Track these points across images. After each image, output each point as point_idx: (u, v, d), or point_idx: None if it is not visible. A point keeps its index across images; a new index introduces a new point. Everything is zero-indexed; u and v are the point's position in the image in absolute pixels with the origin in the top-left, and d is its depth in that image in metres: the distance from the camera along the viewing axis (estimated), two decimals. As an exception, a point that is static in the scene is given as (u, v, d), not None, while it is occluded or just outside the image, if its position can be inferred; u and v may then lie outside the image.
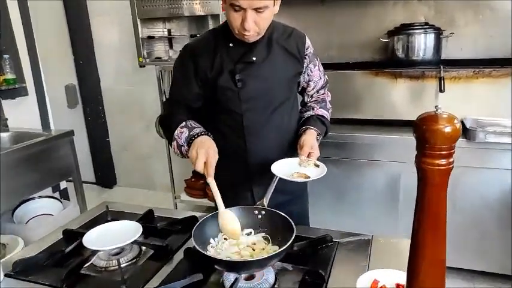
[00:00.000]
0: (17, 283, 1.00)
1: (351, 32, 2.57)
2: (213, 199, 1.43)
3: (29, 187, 2.34)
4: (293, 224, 0.99)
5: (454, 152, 0.61)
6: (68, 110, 3.86)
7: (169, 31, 3.02)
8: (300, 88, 1.37)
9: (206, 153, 1.08)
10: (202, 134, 1.16)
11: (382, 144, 2.07)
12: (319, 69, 1.36)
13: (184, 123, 1.20)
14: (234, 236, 1.02)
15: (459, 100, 1.99)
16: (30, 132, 2.54)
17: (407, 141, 2.00)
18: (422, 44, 2.15)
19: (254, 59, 1.20)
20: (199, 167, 1.07)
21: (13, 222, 2.33)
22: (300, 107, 1.41)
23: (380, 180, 2.11)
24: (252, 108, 1.23)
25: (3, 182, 2.15)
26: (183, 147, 1.18)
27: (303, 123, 1.32)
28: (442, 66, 1.98)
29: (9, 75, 2.68)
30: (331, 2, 2.57)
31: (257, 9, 1.08)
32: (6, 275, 1.02)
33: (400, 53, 2.21)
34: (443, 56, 2.26)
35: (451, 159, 0.61)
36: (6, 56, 2.65)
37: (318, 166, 1.18)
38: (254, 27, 1.11)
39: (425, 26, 2.16)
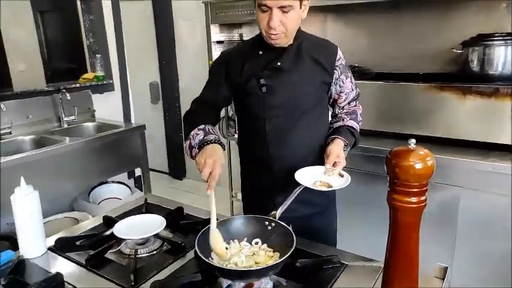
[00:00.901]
0: (54, 257, 1.16)
1: (425, 41, 2.39)
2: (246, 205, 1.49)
3: (105, 172, 2.65)
4: (294, 238, 0.98)
5: (426, 190, 0.57)
6: (151, 105, 4.24)
7: (241, 36, 3.14)
8: (331, 100, 1.37)
9: (213, 164, 1.09)
10: (215, 142, 1.17)
11: (441, 166, 1.89)
12: (351, 81, 1.36)
13: (203, 126, 1.23)
14: (220, 256, 1.00)
15: (539, 123, 1.73)
16: (111, 123, 2.86)
17: (469, 164, 1.82)
18: (502, 57, 1.91)
19: (279, 64, 1.23)
20: (205, 176, 1.08)
21: (88, 202, 2.66)
22: (330, 119, 1.40)
23: (436, 203, 1.94)
24: (275, 115, 1.25)
25: (86, 165, 2.47)
26: (193, 149, 1.20)
27: (332, 133, 1.32)
28: (520, 84, 1.75)
29: (100, 73, 3.05)
30: (405, 8, 2.42)
31: (283, 9, 1.13)
32: (49, 249, 1.19)
33: (474, 67, 2.00)
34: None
35: (422, 198, 0.57)
36: (98, 56, 3.03)
37: (342, 176, 1.17)
38: (280, 27, 1.15)
39: (506, 37, 1.92)
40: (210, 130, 1.23)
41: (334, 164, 1.18)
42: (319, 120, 1.33)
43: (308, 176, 1.18)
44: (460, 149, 1.91)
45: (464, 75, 2.04)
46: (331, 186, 1.15)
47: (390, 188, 0.59)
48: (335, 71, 1.30)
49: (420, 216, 0.59)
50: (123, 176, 3.03)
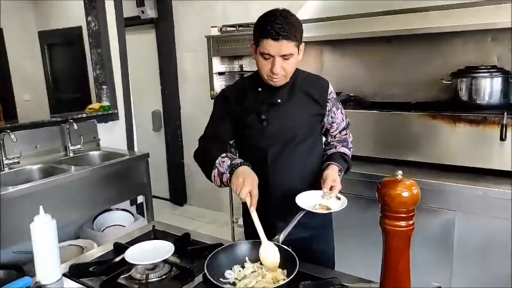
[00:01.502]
0: (69, 282, 1.22)
1: (417, 71, 2.52)
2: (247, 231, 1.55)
3: (110, 199, 2.72)
4: (297, 261, 1.05)
5: (413, 215, 0.65)
6: (152, 133, 4.34)
7: (241, 67, 3.28)
8: (324, 130, 1.49)
9: (251, 183, 1.20)
10: (244, 164, 1.28)
11: (435, 190, 1.98)
12: (341, 113, 1.49)
13: (224, 154, 1.35)
14: (272, 269, 1.12)
15: (525, 150, 1.83)
16: (116, 152, 2.95)
17: (463, 189, 1.90)
18: (488, 88, 2.04)
19: (279, 101, 1.35)
20: (244, 195, 1.18)
21: (93, 229, 2.71)
22: (323, 146, 1.52)
23: (432, 227, 2.01)
24: (275, 144, 1.36)
25: (91, 194, 2.53)
26: (224, 175, 1.30)
27: (326, 159, 1.42)
28: (506, 112, 1.85)
29: (105, 103, 3.16)
30: (398, 41, 2.56)
31: (284, 57, 1.25)
32: (63, 275, 1.25)
33: (463, 96, 2.12)
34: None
35: (410, 222, 0.65)
36: (104, 87, 3.15)
37: (339, 199, 1.26)
38: (281, 71, 1.27)
39: (491, 70, 2.04)
40: (233, 156, 1.35)
41: (331, 188, 1.27)
42: (314, 147, 1.43)
43: (308, 200, 1.26)
44: (453, 174, 2.00)
45: (454, 104, 2.15)
46: (330, 209, 1.23)
47: (382, 214, 0.68)
48: (327, 104, 1.42)
49: (409, 238, 0.67)
50: (125, 203, 3.09)
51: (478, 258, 1.91)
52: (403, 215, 0.65)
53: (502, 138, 1.81)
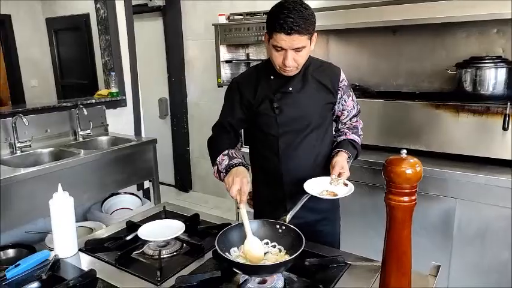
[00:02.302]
0: (85, 256, 1.29)
1: (422, 62, 2.55)
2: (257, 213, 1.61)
3: (118, 183, 2.78)
4: (303, 238, 1.11)
5: (415, 191, 0.70)
6: (159, 120, 4.39)
7: (247, 55, 3.31)
8: (334, 116, 1.51)
9: (241, 181, 1.24)
10: (240, 165, 1.33)
11: (438, 178, 2.02)
12: (352, 100, 1.51)
13: (226, 151, 1.40)
14: (255, 261, 1.12)
15: (527, 139, 1.87)
16: (123, 137, 3.01)
17: (464, 177, 1.94)
18: (492, 79, 2.06)
19: (290, 89, 1.38)
20: (233, 193, 1.23)
21: (101, 212, 2.78)
22: (334, 133, 1.55)
23: (434, 214, 2.06)
24: (287, 132, 1.39)
25: (100, 177, 2.60)
26: (221, 173, 1.37)
27: (336, 146, 1.46)
28: (509, 103, 1.88)
29: (114, 89, 3.21)
30: (403, 31, 2.58)
31: (296, 49, 1.26)
32: (80, 250, 1.31)
33: (467, 86, 2.15)
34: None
35: (412, 197, 0.70)
36: (113, 73, 3.19)
37: (346, 185, 1.30)
38: (293, 63, 1.29)
39: (496, 60, 2.07)
40: (234, 154, 1.39)
41: (339, 175, 1.31)
42: (325, 135, 1.46)
43: (316, 186, 1.31)
44: (455, 163, 2.04)
45: (458, 94, 2.18)
46: (336, 195, 1.28)
47: (387, 190, 0.72)
48: (338, 92, 1.44)
49: (411, 213, 0.71)
50: (132, 188, 3.16)
51: (477, 245, 1.97)
52: (407, 191, 0.69)
53: (505, 128, 1.85)
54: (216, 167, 1.40)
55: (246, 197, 1.24)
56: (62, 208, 1.25)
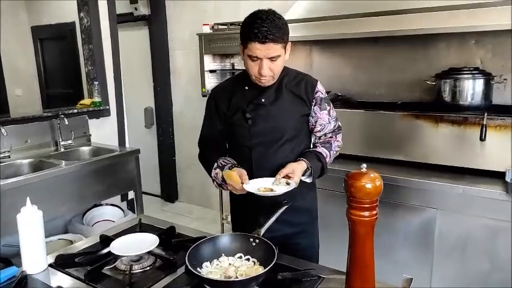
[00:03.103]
0: (55, 272, 1.25)
1: (403, 72, 2.58)
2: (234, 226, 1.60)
3: (99, 195, 2.73)
4: (276, 252, 1.09)
5: (376, 205, 0.69)
6: (144, 130, 4.36)
7: (232, 65, 3.32)
8: (310, 129, 1.50)
9: (236, 180, 1.28)
10: (230, 168, 1.36)
11: (417, 188, 2.03)
12: (329, 114, 1.46)
13: (215, 164, 1.41)
14: (235, 181, 1.26)
15: (504, 149, 1.89)
16: (106, 147, 2.96)
17: (444, 187, 1.95)
18: (470, 90, 2.10)
19: (263, 100, 1.38)
20: (239, 188, 1.28)
21: (82, 224, 2.73)
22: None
23: (414, 224, 2.06)
24: (260, 143, 1.39)
25: (81, 188, 2.55)
26: (223, 185, 1.39)
27: (299, 156, 1.42)
28: (486, 113, 1.91)
29: (97, 99, 3.18)
30: (384, 42, 2.61)
31: (271, 58, 1.27)
32: (49, 265, 1.28)
33: (446, 97, 2.17)
34: (499, 102, 2.17)
35: (373, 212, 0.69)
36: (96, 83, 3.17)
37: (288, 184, 1.29)
38: (269, 72, 1.30)
39: (473, 71, 2.10)
40: (223, 162, 1.41)
41: (288, 177, 1.30)
42: (300, 147, 1.45)
43: (257, 185, 1.31)
44: (435, 173, 2.05)
45: (437, 105, 2.21)
46: (273, 191, 1.27)
47: (348, 205, 0.72)
48: (312, 103, 1.42)
49: (373, 228, 0.71)
50: (116, 199, 3.11)
51: (458, 255, 1.97)
52: (367, 206, 0.69)
53: (482, 139, 1.87)
54: (215, 182, 1.43)
55: (247, 176, 1.29)
56: (30, 222, 1.22)
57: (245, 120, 1.38)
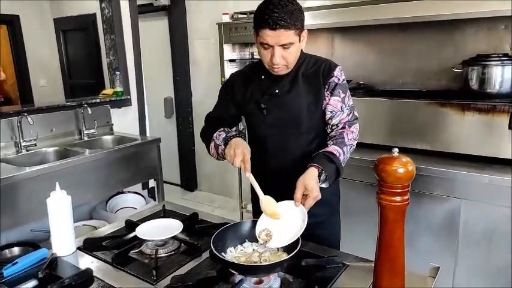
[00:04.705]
0: (83, 255, 1.29)
1: (429, 60, 2.51)
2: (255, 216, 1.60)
3: (122, 182, 2.79)
4: (300, 239, 1.09)
5: (408, 190, 0.68)
6: (164, 119, 4.41)
7: (252, 54, 3.30)
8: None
9: (242, 152, 1.24)
10: (237, 136, 1.33)
11: (442, 178, 1.99)
12: (342, 102, 1.36)
13: (222, 128, 1.40)
14: (274, 216, 1.18)
15: (534, 138, 1.82)
16: (128, 136, 3.02)
17: (469, 177, 1.90)
18: (499, 77, 2.02)
19: (277, 91, 1.35)
20: (237, 163, 1.23)
21: (106, 211, 2.79)
22: None
23: (439, 214, 2.03)
24: (274, 133, 1.38)
25: (104, 176, 2.61)
26: (219, 147, 1.35)
27: (308, 161, 1.27)
28: (515, 101, 1.84)
29: (118, 88, 3.22)
30: (410, 28, 2.54)
31: (283, 46, 1.23)
32: (78, 248, 1.32)
33: (473, 84, 2.11)
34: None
35: (405, 197, 0.68)
36: (118, 72, 3.21)
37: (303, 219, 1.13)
38: (282, 61, 1.26)
39: (502, 58, 2.03)
40: (229, 130, 1.40)
41: (305, 197, 1.16)
42: (316, 138, 1.40)
43: (264, 224, 1.19)
44: (460, 162, 2.00)
45: (464, 93, 2.14)
46: (266, 243, 1.15)
47: (378, 189, 0.71)
48: (326, 87, 1.35)
49: (404, 214, 0.69)
50: (137, 187, 3.17)
51: (483, 246, 1.93)
52: (399, 191, 0.68)
53: (511, 127, 1.81)
54: (212, 143, 1.39)
55: (250, 164, 1.23)
56: (59, 207, 1.25)
57: (260, 110, 1.37)
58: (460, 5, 2.02)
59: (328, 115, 1.37)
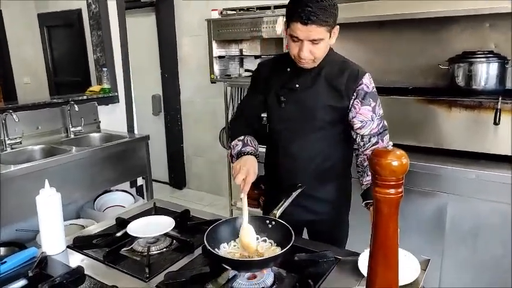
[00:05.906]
0: (73, 253, 1.27)
1: (415, 57, 2.54)
2: (263, 209, 1.61)
3: (110, 180, 2.76)
4: (293, 234, 1.10)
5: (402, 183, 0.69)
6: (152, 117, 4.37)
7: (241, 51, 3.29)
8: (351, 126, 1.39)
9: (247, 171, 1.25)
10: (250, 154, 1.34)
11: (430, 173, 2.02)
12: (373, 111, 1.34)
13: (242, 136, 1.41)
14: (248, 249, 1.14)
15: (518, 134, 1.87)
16: (116, 134, 2.98)
17: (456, 172, 1.94)
18: (484, 74, 2.07)
19: (297, 86, 1.35)
20: (238, 181, 1.23)
21: (94, 209, 2.76)
22: (355, 147, 1.46)
23: (426, 209, 2.06)
24: (287, 128, 1.38)
25: (92, 174, 2.58)
26: (233, 158, 1.39)
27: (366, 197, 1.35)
28: (500, 98, 1.88)
29: (106, 85, 3.18)
30: (395, 26, 2.57)
31: (313, 41, 1.22)
32: (68, 247, 1.30)
33: (460, 81, 2.15)
34: (513, 86, 2.15)
35: (399, 190, 0.69)
36: (105, 69, 3.16)
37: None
38: (309, 55, 1.25)
39: (488, 55, 2.07)
40: (248, 142, 1.40)
41: None
42: (333, 139, 1.39)
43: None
44: (448, 158, 2.04)
45: (451, 89, 2.18)
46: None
47: (373, 182, 0.71)
48: (352, 96, 1.32)
49: (398, 207, 0.70)
50: (125, 185, 3.13)
51: (470, 241, 1.97)
52: (393, 183, 0.68)
53: (496, 123, 1.85)
54: (229, 150, 1.43)
55: (249, 187, 1.23)
56: (49, 204, 1.23)
57: (278, 103, 1.37)
58: (445, 3, 2.06)
59: (358, 124, 1.34)
